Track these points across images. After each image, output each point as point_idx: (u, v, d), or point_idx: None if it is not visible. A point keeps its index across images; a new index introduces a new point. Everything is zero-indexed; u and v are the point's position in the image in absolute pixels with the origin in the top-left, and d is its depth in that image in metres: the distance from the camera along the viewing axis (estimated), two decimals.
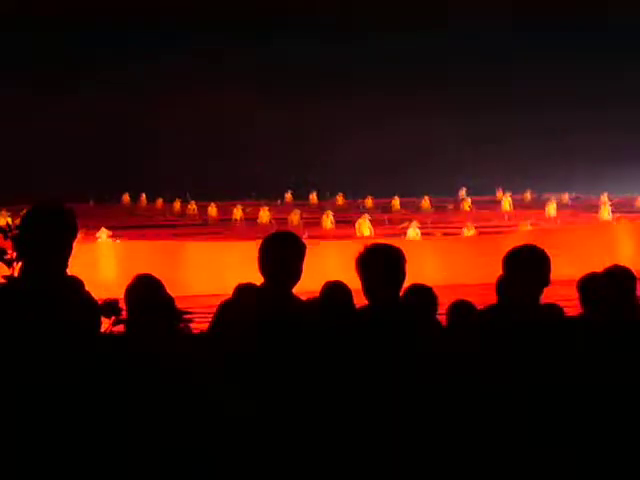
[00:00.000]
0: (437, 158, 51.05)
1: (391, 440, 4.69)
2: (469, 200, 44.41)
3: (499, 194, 45.84)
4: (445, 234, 30.32)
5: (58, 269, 4.29)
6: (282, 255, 4.94)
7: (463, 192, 47.10)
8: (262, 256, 4.97)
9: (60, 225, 4.31)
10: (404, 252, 5.07)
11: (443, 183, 46.52)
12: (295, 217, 37.10)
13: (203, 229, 36.49)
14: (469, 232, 28.87)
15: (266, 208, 39.33)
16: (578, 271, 6.25)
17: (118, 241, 24.62)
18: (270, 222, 37.01)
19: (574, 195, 47.54)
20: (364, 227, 31.72)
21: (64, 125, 50.29)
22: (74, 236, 4.35)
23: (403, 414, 4.71)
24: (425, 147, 51.89)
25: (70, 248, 4.32)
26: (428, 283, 6.34)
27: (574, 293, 5.84)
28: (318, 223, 35.49)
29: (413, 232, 29.16)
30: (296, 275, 4.97)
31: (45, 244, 4.23)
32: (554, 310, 5.22)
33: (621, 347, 5.15)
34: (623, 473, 4.91)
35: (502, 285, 5.25)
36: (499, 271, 5.20)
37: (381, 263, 4.94)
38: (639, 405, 5.04)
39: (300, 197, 47.15)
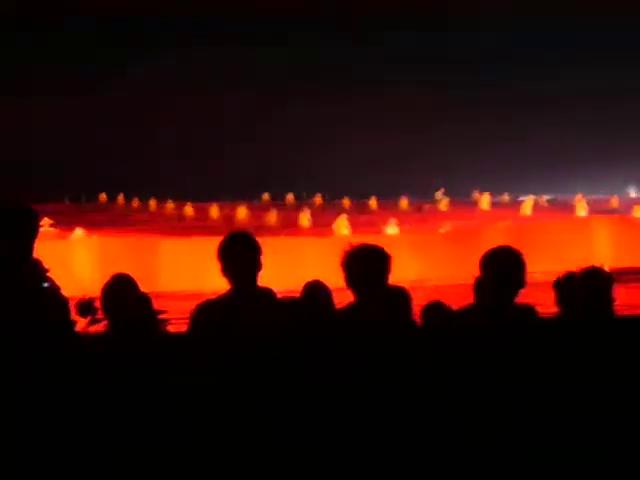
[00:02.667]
0: (417, 159, 51.37)
1: (370, 438, 4.70)
2: (446, 200, 44.60)
3: (476, 194, 46.14)
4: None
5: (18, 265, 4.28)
6: (241, 256, 4.98)
7: (440, 193, 47.28)
8: (224, 259, 5.00)
9: (17, 225, 4.31)
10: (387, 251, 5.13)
11: (421, 184, 46.83)
12: (272, 217, 37.13)
13: (178, 225, 36.46)
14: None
15: (244, 207, 39.35)
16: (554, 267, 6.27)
17: (94, 237, 24.52)
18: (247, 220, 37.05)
19: (551, 197, 48.05)
20: (342, 227, 31.74)
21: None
22: (32, 235, 4.35)
23: (378, 414, 4.72)
24: (404, 149, 52.18)
25: (28, 246, 4.33)
26: (407, 282, 6.35)
27: (549, 292, 5.86)
28: (295, 223, 35.47)
29: (392, 230, 29.27)
30: (257, 271, 5.00)
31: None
32: (529, 311, 5.23)
33: (597, 346, 5.18)
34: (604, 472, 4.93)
35: (479, 286, 5.25)
36: (475, 270, 5.22)
37: (368, 262, 5.00)
38: (616, 404, 5.06)
39: (278, 197, 47.25)
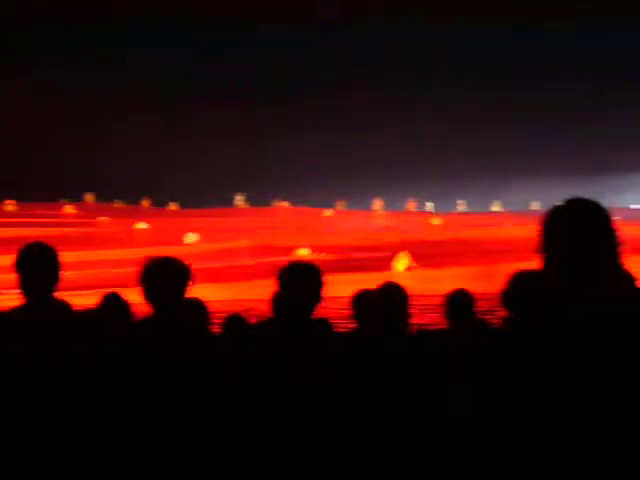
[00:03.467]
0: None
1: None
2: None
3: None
4: None
5: None
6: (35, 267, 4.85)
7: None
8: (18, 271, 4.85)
9: None
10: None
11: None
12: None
13: None
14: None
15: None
16: None
17: None
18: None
19: None
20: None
21: None
22: None
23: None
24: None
25: None
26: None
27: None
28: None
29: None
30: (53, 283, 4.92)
31: None
32: (324, 325, 5.26)
33: (395, 360, 5.25)
34: None
35: (277, 300, 5.25)
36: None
37: (166, 275, 4.92)
38: (401, 416, 5.15)
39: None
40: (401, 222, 40.35)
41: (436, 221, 51.99)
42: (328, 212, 48.99)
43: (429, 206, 56.77)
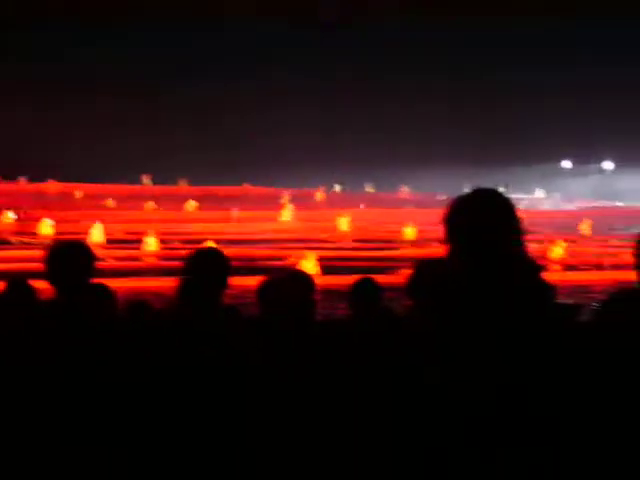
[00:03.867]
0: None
1: None
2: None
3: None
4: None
5: None
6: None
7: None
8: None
9: None
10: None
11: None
12: None
13: None
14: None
15: None
16: None
17: None
18: None
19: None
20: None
21: None
22: None
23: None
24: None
25: None
26: None
27: None
28: None
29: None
30: None
31: None
32: (234, 312, 5.27)
33: (297, 347, 5.28)
34: None
35: (182, 286, 5.24)
36: None
37: (70, 258, 4.96)
38: (313, 399, 5.18)
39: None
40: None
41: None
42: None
43: (337, 188, 57.32)
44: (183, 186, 52.56)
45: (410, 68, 59.29)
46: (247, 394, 4.78)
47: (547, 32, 60.38)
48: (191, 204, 42.77)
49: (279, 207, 40.76)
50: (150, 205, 41.70)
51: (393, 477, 3.71)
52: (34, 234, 30.30)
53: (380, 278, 7.68)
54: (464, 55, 61.61)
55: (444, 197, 38.54)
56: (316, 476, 4.62)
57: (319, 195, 51.60)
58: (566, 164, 69.16)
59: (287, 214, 39.10)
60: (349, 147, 56.54)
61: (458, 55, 61.23)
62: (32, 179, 50.10)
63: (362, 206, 44.00)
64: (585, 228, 37.51)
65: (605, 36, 61.19)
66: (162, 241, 28.23)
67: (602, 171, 67.35)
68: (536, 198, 56.30)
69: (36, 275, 5.46)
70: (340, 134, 57.69)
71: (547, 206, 52.50)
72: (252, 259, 22.56)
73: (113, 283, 5.87)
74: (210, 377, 4.86)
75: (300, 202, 43.75)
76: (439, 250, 3.71)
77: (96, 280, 5.12)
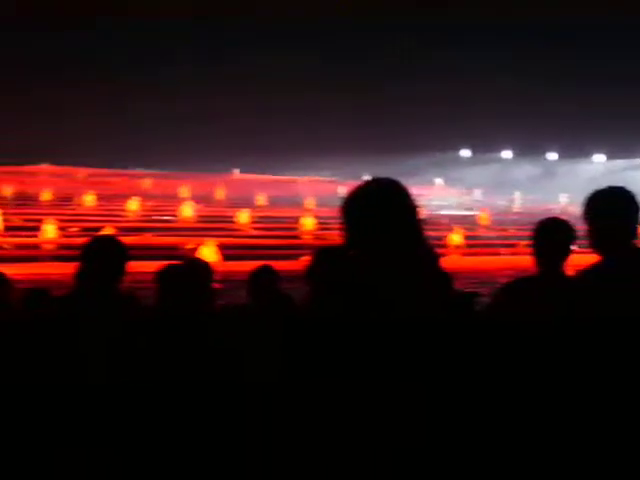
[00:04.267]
0: None
1: None
2: None
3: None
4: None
5: None
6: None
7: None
8: None
9: None
10: None
11: None
12: None
13: None
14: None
15: None
16: None
17: None
18: None
19: None
20: None
21: None
22: None
23: None
24: None
25: None
26: None
27: None
28: None
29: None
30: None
31: None
32: (131, 299, 5.25)
33: (195, 334, 5.26)
34: None
35: (79, 274, 5.20)
36: None
37: None
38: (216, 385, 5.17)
39: None
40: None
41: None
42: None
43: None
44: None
45: None
46: (138, 380, 4.76)
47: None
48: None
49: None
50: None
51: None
52: None
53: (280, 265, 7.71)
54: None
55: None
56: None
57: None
58: (465, 153, 70.04)
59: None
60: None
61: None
62: None
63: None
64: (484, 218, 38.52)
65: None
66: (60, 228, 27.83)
67: (501, 160, 68.44)
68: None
69: None
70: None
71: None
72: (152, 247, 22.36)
73: (9, 270, 5.78)
74: (105, 365, 4.83)
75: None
76: (339, 238, 3.73)
77: None
